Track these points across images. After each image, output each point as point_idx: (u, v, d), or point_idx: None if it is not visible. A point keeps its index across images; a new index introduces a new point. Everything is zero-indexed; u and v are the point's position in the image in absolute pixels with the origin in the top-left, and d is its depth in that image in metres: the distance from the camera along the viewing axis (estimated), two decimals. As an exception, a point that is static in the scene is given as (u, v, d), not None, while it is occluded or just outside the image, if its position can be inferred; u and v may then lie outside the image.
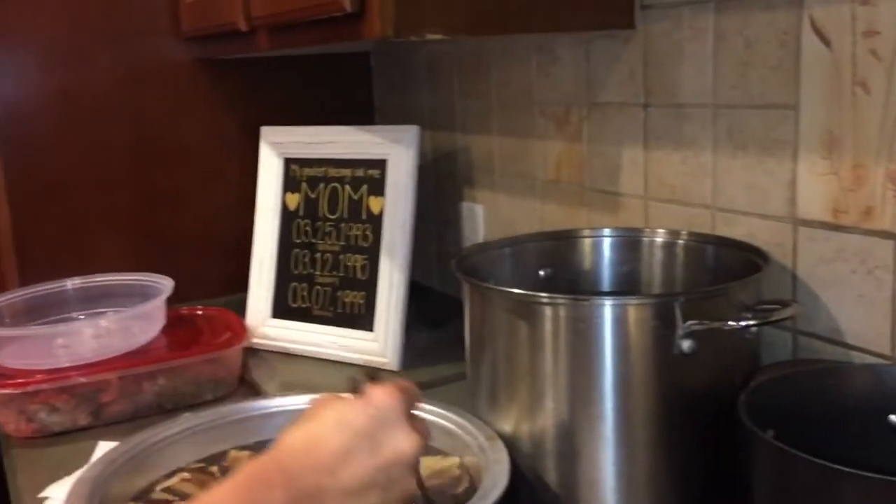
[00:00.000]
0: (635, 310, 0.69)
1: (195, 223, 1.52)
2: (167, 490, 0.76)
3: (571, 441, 0.72)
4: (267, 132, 1.41)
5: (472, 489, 0.72)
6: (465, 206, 1.34)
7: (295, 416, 0.71)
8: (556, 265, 0.92)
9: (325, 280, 1.35)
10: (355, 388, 0.67)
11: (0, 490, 1.51)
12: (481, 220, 1.30)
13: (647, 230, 0.90)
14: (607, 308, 0.69)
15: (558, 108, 1.09)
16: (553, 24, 0.90)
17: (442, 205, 1.40)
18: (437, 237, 1.43)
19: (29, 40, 1.31)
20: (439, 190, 1.40)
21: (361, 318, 1.31)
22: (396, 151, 1.28)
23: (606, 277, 0.91)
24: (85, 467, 0.98)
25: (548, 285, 0.92)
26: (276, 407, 0.87)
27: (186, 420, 0.81)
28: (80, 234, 1.43)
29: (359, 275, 1.32)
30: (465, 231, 1.34)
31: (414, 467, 0.64)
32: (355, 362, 1.29)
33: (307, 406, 0.66)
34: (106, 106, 1.40)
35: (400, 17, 0.81)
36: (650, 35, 0.93)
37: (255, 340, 1.33)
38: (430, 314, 1.31)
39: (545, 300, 0.71)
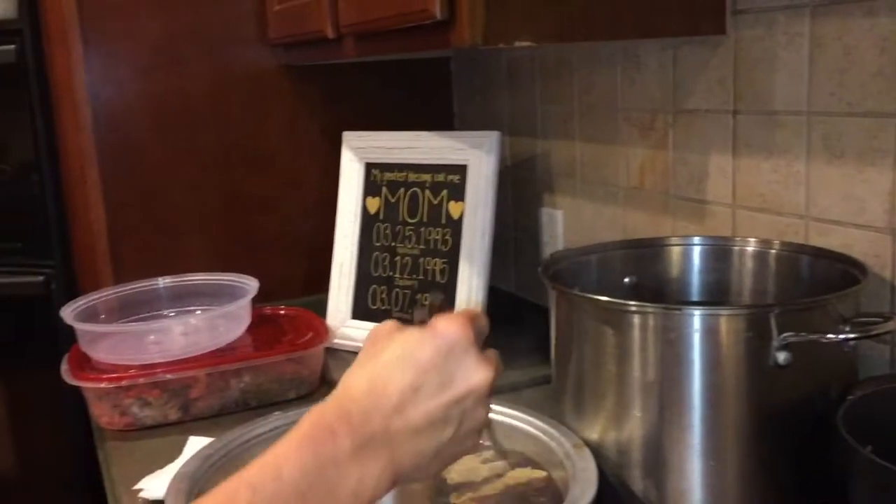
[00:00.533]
0: (729, 320, 0.68)
1: (277, 225, 1.55)
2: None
3: (659, 451, 0.72)
4: (349, 137, 1.44)
5: (559, 498, 0.72)
6: (545, 211, 1.33)
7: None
8: (642, 273, 0.92)
9: (405, 283, 1.37)
10: (421, 321, 0.63)
11: (94, 480, 1.57)
12: (560, 225, 1.30)
13: (738, 239, 0.89)
14: (700, 318, 0.68)
15: (643, 115, 1.09)
16: (641, 31, 0.90)
17: (520, 210, 1.41)
18: (514, 242, 1.43)
19: (128, 49, 1.36)
20: (517, 195, 1.40)
21: (440, 322, 1.32)
22: (477, 157, 1.29)
23: (694, 287, 0.90)
24: (181, 462, 1.01)
25: (633, 293, 0.91)
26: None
27: (276, 419, 0.83)
28: (169, 234, 1.48)
29: (438, 278, 1.33)
30: (544, 236, 1.34)
31: (486, 399, 0.61)
32: (433, 365, 1.30)
33: (367, 339, 0.62)
34: (195, 112, 1.44)
35: (489, 25, 0.82)
36: (742, 41, 0.91)
37: (336, 341, 1.35)
38: (506, 318, 1.31)
39: (634, 308, 0.71)
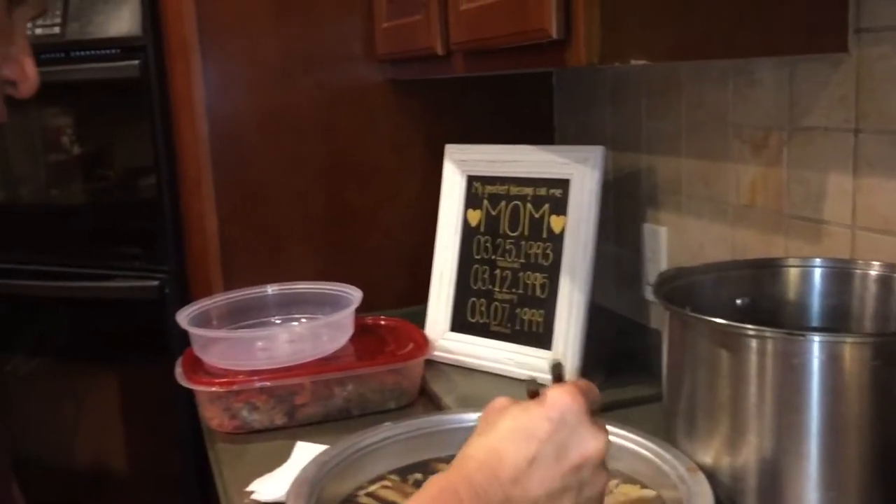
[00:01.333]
0: (854, 348, 0.66)
1: (377, 236, 1.58)
2: (370, 495, 0.80)
3: (776, 479, 0.70)
4: (451, 150, 1.46)
5: (669, 520, 0.72)
6: (648, 227, 1.32)
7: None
8: (756, 294, 0.90)
9: (504, 297, 1.38)
10: (533, 392, 0.65)
11: (200, 479, 1.63)
12: (664, 242, 1.28)
13: (861, 262, 0.86)
14: (823, 345, 0.66)
15: (756, 132, 1.06)
16: (760, 48, 0.88)
17: (622, 225, 1.40)
18: (614, 257, 1.42)
19: (243, 65, 1.42)
20: (619, 210, 1.39)
21: (539, 336, 1.32)
22: (580, 171, 1.29)
23: (812, 311, 0.88)
24: (290, 466, 1.05)
25: (746, 315, 0.89)
26: (472, 422, 0.89)
27: (386, 429, 0.85)
28: (274, 243, 1.52)
29: (538, 293, 1.33)
30: (646, 252, 1.33)
31: (603, 465, 0.62)
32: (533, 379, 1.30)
33: (483, 413, 0.65)
34: (303, 125, 1.49)
35: (605, 44, 0.82)
36: (865, 59, 0.89)
37: (434, 353, 1.37)
38: (606, 335, 1.30)
39: (752, 332, 0.69)
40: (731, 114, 1.10)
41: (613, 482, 0.78)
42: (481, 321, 1.40)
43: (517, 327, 1.35)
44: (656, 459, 0.76)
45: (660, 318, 1.32)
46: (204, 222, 1.46)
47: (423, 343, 1.31)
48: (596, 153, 1.27)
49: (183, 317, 1.29)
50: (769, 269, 0.90)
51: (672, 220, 1.26)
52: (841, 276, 0.86)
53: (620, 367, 1.32)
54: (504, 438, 0.61)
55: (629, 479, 0.78)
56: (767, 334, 0.68)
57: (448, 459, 0.86)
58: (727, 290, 0.90)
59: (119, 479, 1.73)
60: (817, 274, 0.88)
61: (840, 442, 0.68)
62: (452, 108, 1.59)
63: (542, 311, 1.32)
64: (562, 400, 0.62)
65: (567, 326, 1.27)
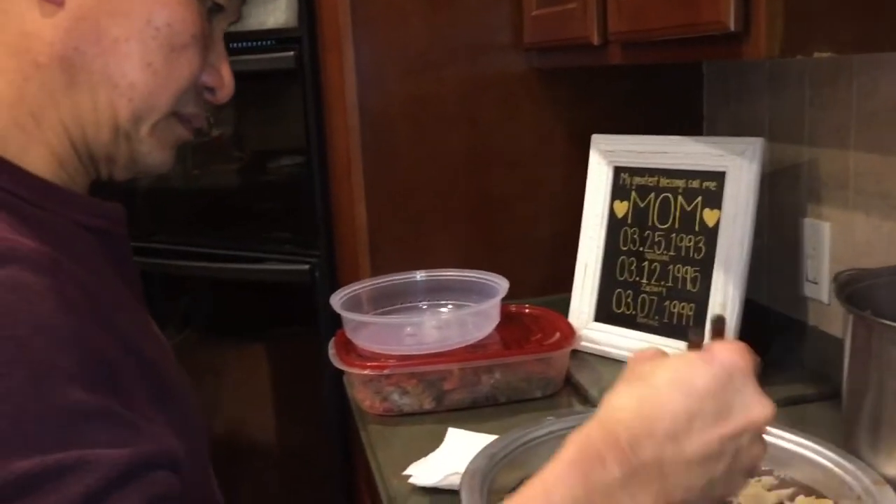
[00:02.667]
0: None
1: (519, 225, 1.59)
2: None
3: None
4: (598, 140, 1.44)
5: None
6: (808, 222, 1.27)
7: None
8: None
9: (652, 289, 1.35)
10: (695, 344, 0.60)
11: (344, 457, 1.69)
12: (826, 239, 1.23)
13: None
14: None
15: (938, 125, 1.00)
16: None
17: (776, 218, 1.35)
18: (767, 250, 1.37)
19: (393, 55, 1.44)
20: (774, 202, 1.34)
21: (689, 331, 1.29)
22: (737, 164, 1.25)
23: None
24: (444, 452, 1.07)
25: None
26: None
27: (551, 423, 0.86)
28: (419, 229, 1.55)
29: (688, 286, 1.31)
30: (806, 249, 1.28)
31: (761, 436, 0.57)
32: (680, 374, 1.28)
33: (630, 363, 0.59)
34: (449, 114, 1.50)
35: (787, 36, 0.79)
36: None
37: (579, 343, 1.36)
38: (758, 331, 1.26)
39: (953, 342, 0.66)
40: (908, 104, 1.04)
41: (787, 491, 0.76)
42: (627, 312, 1.38)
43: (665, 320, 1.33)
44: (838, 470, 0.74)
45: (818, 315, 1.27)
46: (353, 210, 1.50)
47: (570, 333, 1.31)
48: (754, 145, 1.23)
49: (336, 300, 1.34)
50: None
51: (836, 215, 1.21)
52: None
53: (777, 364, 1.28)
54: (661, 388, 0.55)
55: (808, 490, 0.76)
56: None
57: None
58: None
59: (257, 452, 1.81)
60: None
61: None
62: (597, 97, 1.57)
63: (692, 305, 1.30)
64: (730, 357, 0.56)
65: (719, 322, 1.24)
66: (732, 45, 0.83)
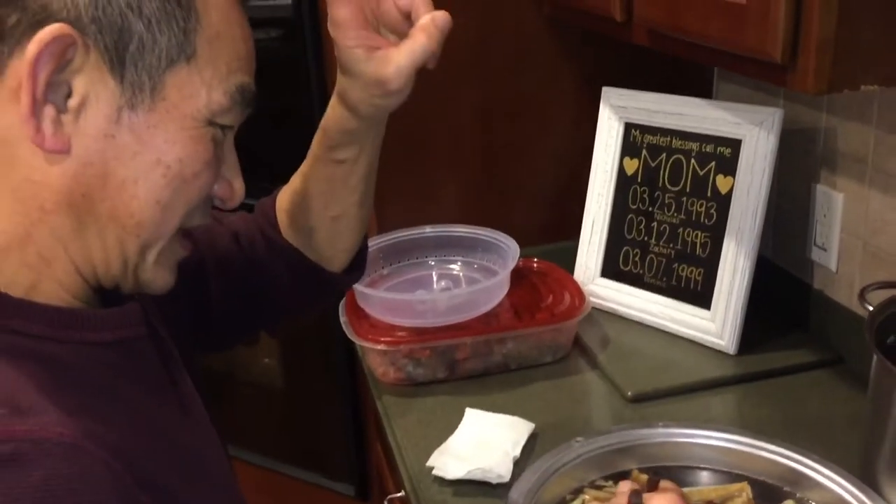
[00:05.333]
0: None
1: (525, 175, 1.57)
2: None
3: None
4: (609, 94, 1.40)
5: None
6: (820, 189, 1.26)
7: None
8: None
9: (661, 250, 1.36)
10: (634, 500, 0.69)
11: (356, 412, 1.74)
12: (839, 209, 1.22)
13: None
14: None
15: (968, 120, 0.99)
16: None
17: (789, 179, 1.33)
18: (776, 208, 1.37)
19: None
20: (788, 164, 1.32)
21: (697, 295, 1.31)
22: (754, 133, 1.23)
23: None
24: (460, 435, 1.10)
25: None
26: (659, 437, 0.91)
27: (579, 447, 0.88)
28: (427, 182, 1.53)
29: (698, 251, 1.31)
30: (817, 215, 1.28)
31: None
32: (688, 337, 1.31)
33: None
34: (458, 65, 1.44)
35: (836, 71, 0.76)
36: None
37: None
38: (763, 290, 1.28)
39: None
40: (939, 94, 1.02)
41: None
42: (635, 271, 1.39)
43: (673, 282, 1.34)
44: (852, 500, 0.77)
45: (824, 281, 1.29)
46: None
47: (579, 298, 1.32)
48: (773, 116, 1.20)
49: (345, 266, 1.33)
50: None
51: (852, 188, 1.20)
52: None
53: (782, 329, 1.31)
54: None
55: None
56: None
57: (648, 470, 0.89)
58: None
59: (264, 398, 1.86)
60: None
61: None
62: (612, 48, 1.50)
63: (701, 270, 1.31)
64: None
65: (729, 290, 1.26)
66: (776, 72, 0.80)
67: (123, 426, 0.57)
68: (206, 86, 0.60)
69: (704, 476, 0.88)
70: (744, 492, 0.83)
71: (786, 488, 0.85)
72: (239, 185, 0.66)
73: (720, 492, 0.84)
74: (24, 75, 0.54)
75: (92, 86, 0.56)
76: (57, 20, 0.54)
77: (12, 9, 0.55)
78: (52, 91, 0.56)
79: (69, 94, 0.56)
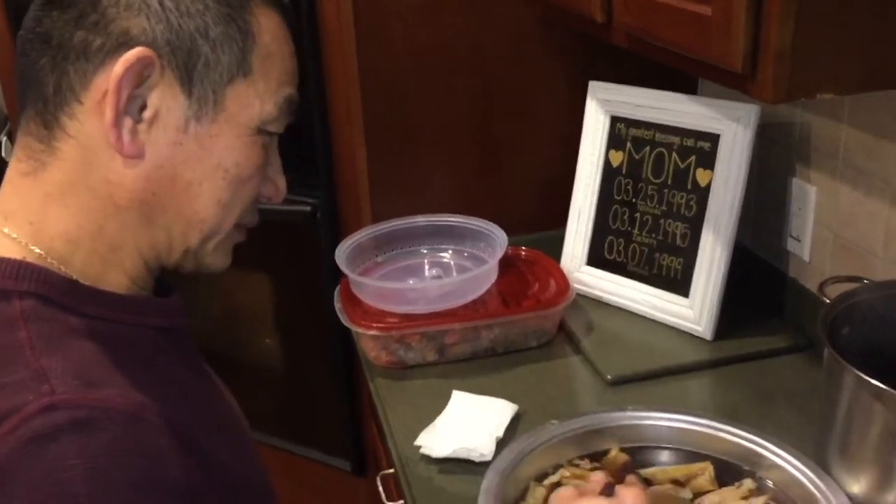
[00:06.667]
0: None
1: (516, 167, 1.61)
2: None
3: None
4: (595, 88, 1.45)
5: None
6: (796, 182, 1.31)
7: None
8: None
9: (643, 240, 1.42)
10: (607, 491, 0.73)
11: (351, 388, 1.80)
12: (812, 202, 1.28)
13: None
14: None
15: (929, 121, 1.04)
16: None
17: (766, 171, 1.38)
18: (754, 199, 1.43)
19: (397, 4, 1.42)
20: (765, 156, 1.38)
21: (677, 283, 1.37)
22: (732, 129, 1.28)
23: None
24: (448, 415, 1.16)
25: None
26: (629, 420, 0.97)
27: (553, 429, 0.94)
28: (420, 173, 1.58)
29: (678, 241, 1.37)
30: (792, 207, 1.33)
31: None
32: (668, 323, 1.37)
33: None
34: (452, 58, 1.49)
35: (793, 81, 0.81)
36: None
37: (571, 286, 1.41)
38: (742, 279, 1.33)
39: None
40: (904, 95, 1.07)
41: (762, 499, 0.86)
42: (618, 260, 1.45)
43: (654, 271, 1.40)
44: (811, 486, 0.83)
45: (798, 270, 1.34)
46: (354, 154, 1.52)
47: (565, 286, 1.38)
48: (750, 112, 1.25)
49: (340, 252, 1.39)
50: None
51: (824, 182, 1.25)
52: None
53: (758, 316, 1.36)
54: None
55: (782, 497, 0.86)
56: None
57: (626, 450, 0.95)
58: (888, 304, 0.93)
59: (262, 373, 1.92)
60: None
61: None
62: (597, 43, 1.54)
63: (680, 259, 1.36)
64: (636, 501, 0.71)
65: (706, 279, 1.32)
66: (739, 80, 0.85)
67: (172, 398, 0.65)
68: (260, 98, 0.68)
69: (670, 456, 0.94)
70: (706, 471, 0.89)
71: (745, 468, 0.91)
72: (282, 184, 0.75)
73: (684, 471, 0.90)
74: (109, 90, 0.62)
75: (164, 100, 0.64)
76: (138, 44, 0.62)
77: (97, 34, 0.62)
78: (131, 104, 0.63)
79: (144, 107, 0.64)
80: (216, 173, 0.67)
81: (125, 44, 0.62)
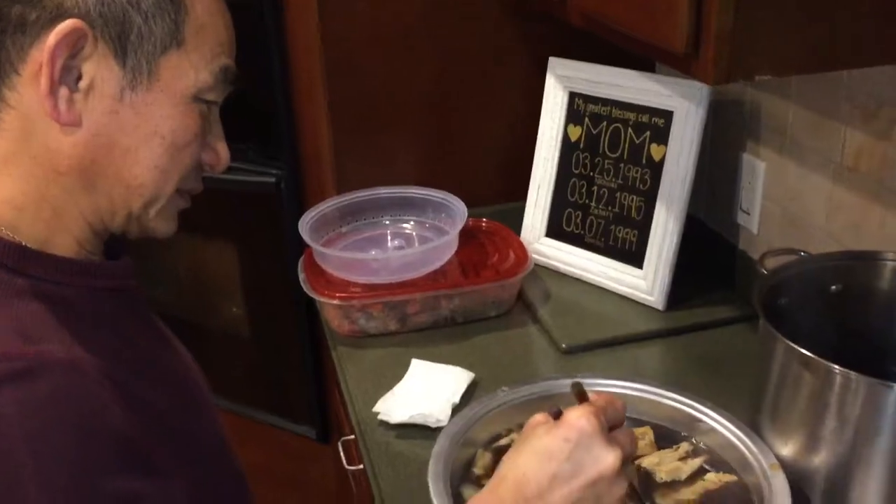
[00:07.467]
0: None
1: (478, 140, 1.64)
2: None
3: (843, 486, 0.82)
4: (554, 64, 1.47)
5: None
6: (746, 157, 1.36)
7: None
8: (850, 281, 0.96)
9: (600, 213, 1.45)
10: (581, 394, 0.75)
11: (318, 372, 1.83)
12: (761, 176, 1.32)
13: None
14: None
15: (868, 101, 1.07)
16: (890, 56, 0.89)
17: (718, 146, 1.42)
18: (708, 175, 1.47)
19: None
20: (718, 131, 1.42)
21: (632, 255, 1.41)
22: (684, 107, 1.31)
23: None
24: (407, 383, 1.20)
25: (837, 302, 0.97)
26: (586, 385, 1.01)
27: (504, 395, 0.98)
28: (383, 146, 1.60)
29: (633, 214, 1.41)
30: (742, 181, 1.37)
31: (619, 476, 0.70)
32: (622, 294, 1.41)
33: (524, 431, 0.75)
34: (416, 34, 1.51)
35: (732, 62, 0.84)
36: None
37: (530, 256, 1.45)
38: (693, 249, 1.38)
39: (838, 371, 0.78)
40: (846, 75, 1.11)
41: (699, 460, 0.91)
42: (576, 232, 1.49)
43: (611, 243, 1.44)
44: (743, 448, 0.88)
45: (748, 242, 1.39)
46: (317, 127, 1.54)
47: (524, 257, 1.41)
48: (702, 91, 1.29)
49: (304, 223, 1.41)
50: (866, 260, 0.95)
51: (772, 157, 1.29)
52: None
53: (710, 287, 1.41)
54: (527, 459, 0.71)
55: (717, 460, 0.91)
56: (852, 377, 0.77)
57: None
58: (822, 276, 0.97)
59: (230, 339, 1.94)
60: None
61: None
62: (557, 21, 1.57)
63: (635, 232, 1.41)
64: (578, 422, 0.71)
65: (659, 250, 1.36)
66: (683, 62, 0.88)
67: (118, 355, 0.68)
68: (194, 68, 0.70)
69: (614, 421, 0.98)
70: (647, 435, 0.94)
71: (683, 433, 0.95)
72: (224, 152, 0.77)
73: (626, 434, 0.94)
74: (43, 61, 0.65)
75: (98, 70, 0.67)
76: (71, 16, 0.65)
77: (32, 7, 0.65)
78: (66, 74, 0.66)
79: (79, 77, 0.67)
80: (153, 140, 0.70)
81: (59, 16, 0.65)
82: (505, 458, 0.74)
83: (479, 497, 0.73)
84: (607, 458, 0.70)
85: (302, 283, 1.39)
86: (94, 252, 0.74)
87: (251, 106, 1.59)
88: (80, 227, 0.71)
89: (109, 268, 0.75)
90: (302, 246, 1.43)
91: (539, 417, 0.75)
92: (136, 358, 0.72)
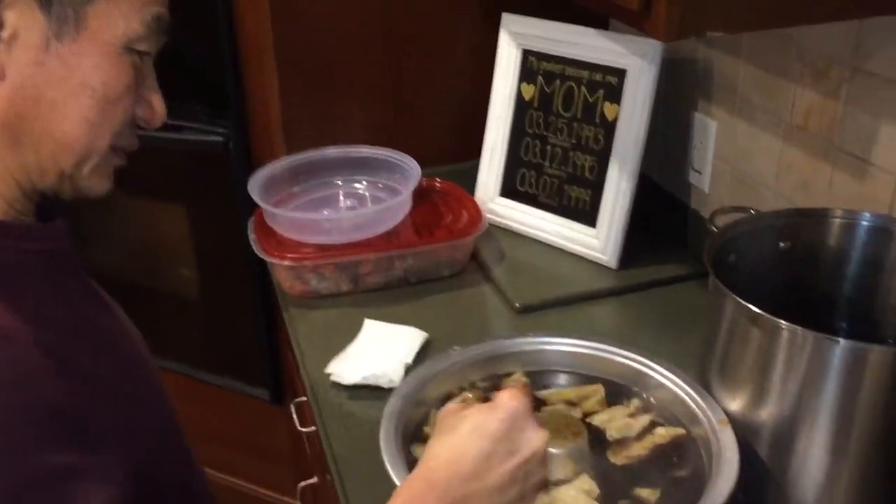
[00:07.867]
0: (878, 354, 0.76)
1: (430, 98, 1.62)
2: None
3: (789, 438, 0.83)
4: (508, 20, 1.45)
5: (697, 455, 0.86)
6: (698, 116, 1.36)
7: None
8: (798, 239, 0.97)
9: (553, 172, 1.45)
10: (483, 397, 0.78)
11: (271, 334, 1.81)
12: (713, 136, 1.32)
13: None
14: (849, 349, 0.76)
15: (818, 60, 1.08)
16: (840, 12, 0.89)
17: (671, 105, 1.42)
18: (662, 134, 1.47)
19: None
20: (670, 91, 1.41)
21: (585, 214, 1.41)
22: (637, 65, 1.31)
23: (851, 263, 0.94)
24: (359, 343, 1.19)
25: (786, 259, 0.98)
26: (530, 346, 1.01)
27: (456, 355, 0.98)
28: (333, 104, 1.57)
29: (586, 174, 1.40)
30: (694, 141, 1.38)
31: (545, 457, 0.73)
32: (576, 253, 1.41)
33: (439, 417, 0.76)
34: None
35: (684, 18, 0.83)
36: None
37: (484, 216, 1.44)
38: (646, 208, 1.38)
39: (785, 327, 0.79)
40: (796, 34, 1.11)
41: (648, 417, 0.92)
42: (530, 191, 1.48)
43: (564, 202, 1.44)
44: (692, 404, 0.89)
45: (699, 201, 1.40)
46: (265, 83, 1.50)
47: (477, 217, 1.41)
48: (655, 48, 1.28)
49: (254, 183, 1.38)
50: (815, 217, 0.97)
51: (723, 117, 1.30)
52: (883, 231, 0.92)
53: (662, 246, 1.42)
54: (464, 438, 0.71)
55: (667, 416, 0.92)
56: (799, 332, 0.78)
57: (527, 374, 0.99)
58: (771, 233, 0.98)
59: (180, 302, 1.92)
60: (861, 229, 0.94)
61: (852, 421, 0.78)
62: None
63: (589, 191, 1.41)
64: (511, 403, 0.73)
65: (612, 209, 1.36)
66: (636, 18, 0.87)
67: (51, 321, 0.66)
68: (124, 16, 0.67)
69: (567, 379, 0.99)
70: (598, 392, 0.94)
71: (634, 388, 0.96)
72: (159, 105, 0.73)
73: (577, 392, 0.95)
74: None
75: (22, 20, 0.63)
76: None
77: None
78: None
79: (1, 27, 0.63)
80: (82, 92, 0.66)
81: None
82: (433, 440, 0.74)
83: (413, 476, 0.71)
84: (538, 439, 0.72)
85: (252, 244, 1.36)
86: (25, 213, 0.71)
87: (196, 63, 1.55)
88: (7, 185, 0.68)
89: (41, 230, 0.72)
90: (253, 207, 1.40)
91: (454, 406, 0.77)
92: (72, 323, 0.69)
